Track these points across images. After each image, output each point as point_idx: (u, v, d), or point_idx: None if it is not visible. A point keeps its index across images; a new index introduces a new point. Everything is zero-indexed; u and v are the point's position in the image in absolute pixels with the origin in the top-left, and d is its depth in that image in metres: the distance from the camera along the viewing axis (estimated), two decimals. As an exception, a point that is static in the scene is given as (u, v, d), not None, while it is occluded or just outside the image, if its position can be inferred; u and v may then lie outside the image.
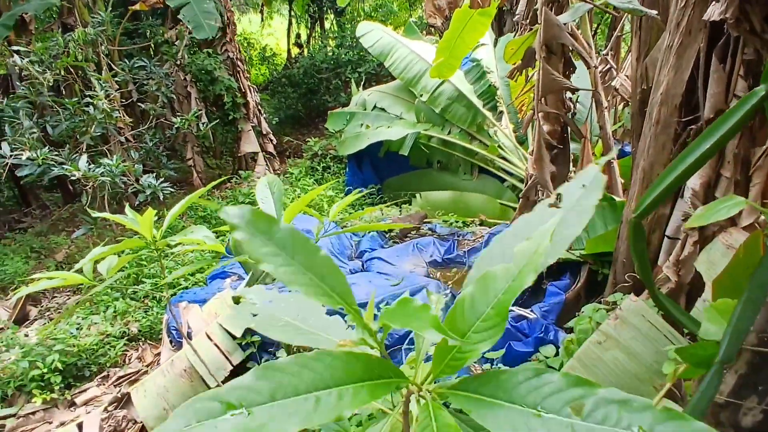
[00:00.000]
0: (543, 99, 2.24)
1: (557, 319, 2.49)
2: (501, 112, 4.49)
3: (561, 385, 0.63)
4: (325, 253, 0.76)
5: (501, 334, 0.68)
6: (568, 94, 2.70)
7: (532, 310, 2.43)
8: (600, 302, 2.69)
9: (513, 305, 2.56)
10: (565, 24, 1.98)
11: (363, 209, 3.81)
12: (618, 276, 2.14)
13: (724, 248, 1.59)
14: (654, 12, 1.88)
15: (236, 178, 6.51)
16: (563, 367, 1.56)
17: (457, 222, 3.93)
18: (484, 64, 4.64)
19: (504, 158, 4.33)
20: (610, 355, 1.59)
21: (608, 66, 3.78)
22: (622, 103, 2.85)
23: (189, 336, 2.94)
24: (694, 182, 1.64)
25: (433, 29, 6.93)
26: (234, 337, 2.85)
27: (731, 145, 1.57)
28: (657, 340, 1.53)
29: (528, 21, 2.21)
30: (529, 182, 2.47)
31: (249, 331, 2.81)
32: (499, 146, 4.39)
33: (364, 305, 0.79)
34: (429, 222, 4.09)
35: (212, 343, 2.84)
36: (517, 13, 2.31)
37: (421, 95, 4.69)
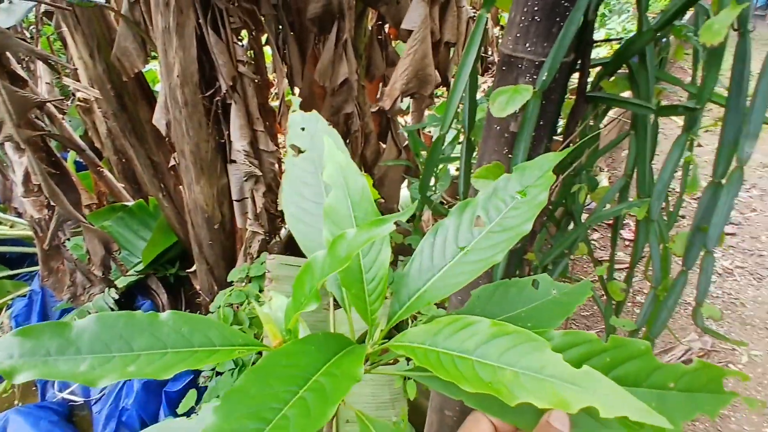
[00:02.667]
0: (20, 124, 1.75)
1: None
2: None
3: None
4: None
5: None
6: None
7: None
8: (192, 296, 2.64)
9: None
10: (10, 28, 1.54)
11: None
12: (209, 258, 2.15)
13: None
14: (103, 1, 1.76)
15: None
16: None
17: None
18: None
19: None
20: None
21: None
22: (76, 105, 2.56)
23: None
24: (242, 144, 1.81)
25: None
26: None
27: (253, 103, 1.80)
28: (306, 277, 1.74)
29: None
30: (52, 225, 1.97)
31: None
32: None
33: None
34: None
35: None
36: None
37: None
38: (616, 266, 1.00)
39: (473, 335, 0.37)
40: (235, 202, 2.00)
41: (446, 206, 1.98)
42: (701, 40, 0.55)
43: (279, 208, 1.93)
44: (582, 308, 2.66)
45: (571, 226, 1.00)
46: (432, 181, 2.30)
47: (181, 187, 2.06)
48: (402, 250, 2.09)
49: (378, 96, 2.26)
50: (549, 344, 0.35)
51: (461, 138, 1.23)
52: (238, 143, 1.82)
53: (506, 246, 0.44)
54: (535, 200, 0.45)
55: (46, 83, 2.42)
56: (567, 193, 0.95)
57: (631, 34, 0.76)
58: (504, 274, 0.87)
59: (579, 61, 0.80)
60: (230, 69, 1.67)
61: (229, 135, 1.84)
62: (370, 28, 2.06)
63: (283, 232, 2.31)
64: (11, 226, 3.02)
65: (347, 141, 2.12)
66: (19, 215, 2.72)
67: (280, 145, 2.18)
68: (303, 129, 0.52)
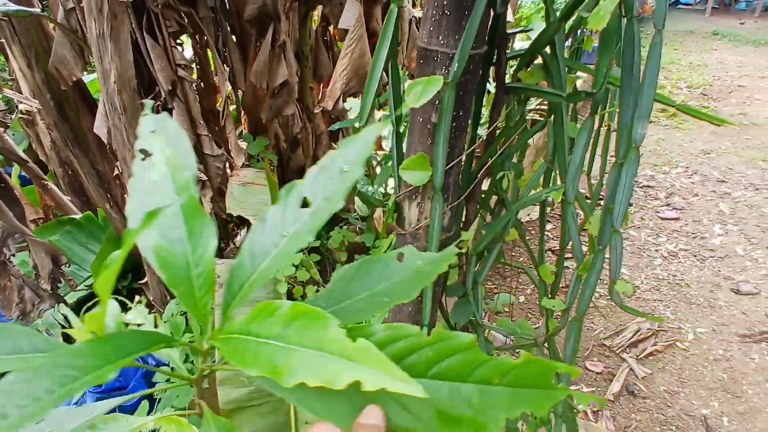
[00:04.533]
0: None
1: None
2: None
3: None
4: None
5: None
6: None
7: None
8: (149, 308, 2.57)
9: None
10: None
11: None
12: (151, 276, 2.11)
13: (241, 187, 1.88)
14: (39, 10, 1.71)
15: None
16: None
17: None
18: None
19: None
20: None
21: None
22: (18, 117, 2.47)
23: None
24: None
25: None
26: None
27: (195, 107, 1.78)
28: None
29: None
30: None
31: None
32: None
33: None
34: None
35: None
36: None
37: None
38: (551, 249, 1.03)
39: (277, 320, 0.36)
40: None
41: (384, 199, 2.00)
42: (589, 27, 0.58)
43: (228, 212, 1.91)
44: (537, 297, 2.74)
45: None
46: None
47: (127, 196, 2.01)
48: (357, 249, 2.11)
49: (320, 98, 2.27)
50: (330, 321, 0.34)
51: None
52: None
53: (316, 226, 0.43)
54: (349, 176, 0.43)
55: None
56: (495, 180, 0.98)
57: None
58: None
59: (495, 54, 0.83)
60: (169, 73, 1.65)
61: (174, 141, 1.81)
62: (315, 30, 2.07)
63: (238, 239, 2.29)
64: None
65: (296, 141, 2.12)
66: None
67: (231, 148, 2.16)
68: (153, 132, 0.49)
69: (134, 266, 2.57)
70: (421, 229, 0.88)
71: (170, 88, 1.68)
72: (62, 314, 2.36)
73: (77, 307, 2.43)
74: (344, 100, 2.02)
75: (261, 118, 1.96)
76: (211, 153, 1.79)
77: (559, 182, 0.94)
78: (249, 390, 1.58)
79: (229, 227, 2.11)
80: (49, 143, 2.53)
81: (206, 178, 1.79)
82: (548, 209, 3.33)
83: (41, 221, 2.66)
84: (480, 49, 0.75)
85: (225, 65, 1.85)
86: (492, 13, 0.78)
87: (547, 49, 0.82)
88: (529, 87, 0.84)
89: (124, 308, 2.15)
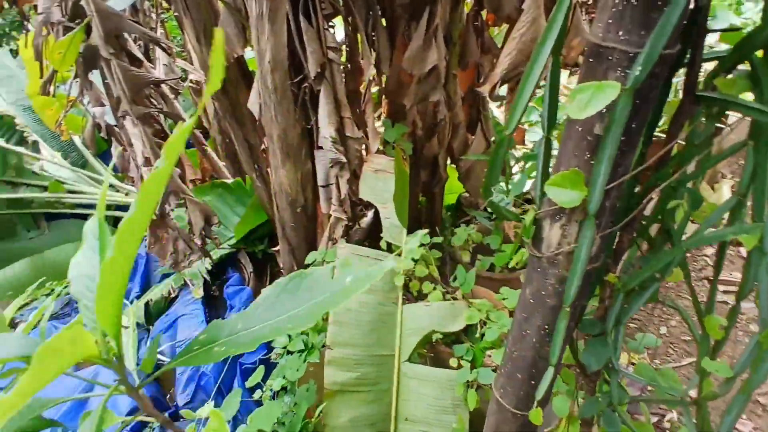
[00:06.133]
0: (134, 100, 1.92)
1: (255, 312, 2.41)
2: (35, 141, 3.59)
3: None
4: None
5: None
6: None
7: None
8: (277, 274, 2.76)
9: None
10: (123, 11, 1.70)
11: None
12: (292, 240, 2.22)
13: (373, 173, 1.88)
14: (211, -14, 1.85)
15: None
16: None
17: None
18: (-26, 92, 3.50)
19: (74, 191, 3.56)
20: (355, 301, 1.68)
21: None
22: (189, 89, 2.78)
23: None
24: (329, 130, 1.82)
25: None
26: None
27: (341, 90, 1.80)
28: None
29: (68, 16, 1.76)
30: (160, 197, 2.15)
31: None
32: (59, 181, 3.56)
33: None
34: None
35: None
36: (41, 11, 1.80)
37: None
38: (726, 290, 0.84)
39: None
40: (320, 188, 2.03)
41: (519, 211, 1.85)
42: None
43: (360, 197, 1.92)
44: (683, 331, 2.37)
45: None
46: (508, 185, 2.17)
47: (269, 169, 2.13)
48: (482, 250, 2.00)
49: (471, 84, 2.15)
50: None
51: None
52: (325, 130, 1.83)
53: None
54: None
55: (164, 64, 2.63)
56: (664, 207, 0.81)
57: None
58: (578, 294, 0.77)
59: (688, 54, 0.67)
60: (319, 56, 1.68)
61: (316, 121, 1.86)
62: (466, 14, 1.96)
63: (365, 221, 2.32)
64: (126, 194, 3.36)
65: (432, 130, 2.06)
66: (134, 184, 3.02)
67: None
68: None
69: (271, 233, 2.76)
70: (561, 255, 0.76)
71: (319, 70, 1.71)
72: (206, 268, 2.63)
73: (218, 264, 2.69)
74: (499, 87, 1.89)
75: (403, 104, 1.93)
76: (352, 135, 1.80)
77: (748, 220, 0.74)
78: (355, 375, 1.59)
79: (357, 209, 2.13)
80: (212, 112, 2.80)
81: (345, 161, 1.81)
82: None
83: (198, 182, 2.97)
84: (672, 49, 0.60)
85: (372, 49, 1.83)
86: (693, 3, 0.62)
87: (759, 53, 0.64)
88: (729, 98, 0.66)
89: (257, 268, 2.27)
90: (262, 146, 2.17)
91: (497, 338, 1.61)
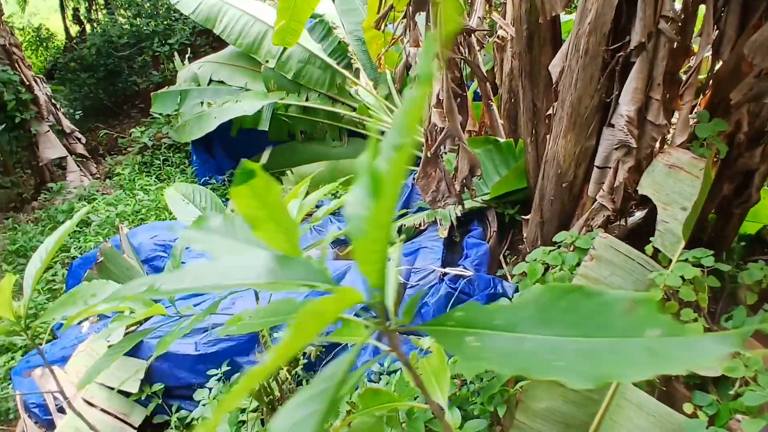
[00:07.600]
0: (445, 44, 2.09)
1: (486, 270, 2.47)
2: (357, 69, 4.28)
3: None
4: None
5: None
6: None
7: (464, 267, 2.35)
8: (517, 242, 2.75)
9: (442, 266, 2.47)
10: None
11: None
12: (545, 213, 2.15)
13: (666, 168, 1.64)
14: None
15: (45, 194, 5.26)
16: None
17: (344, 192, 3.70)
18: (328, 19, 4.32)
19: (374, 117, 4.16)
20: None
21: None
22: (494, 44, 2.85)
23: (61, 410, 2.26)
24: (628, 108, 1.65)
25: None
26: (127, 394, 2.27)
27: (660, 67, 1.59)
28: (634, 270, 1.54)
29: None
30: (440, 136, 2.33)
31: (146, 381, 2.26)
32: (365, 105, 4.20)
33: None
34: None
35: (97, 409, 2.23)
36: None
37: (267, 61, 4.21)
38: None
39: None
40: (595, 168, 1.89)
41: None
42: None
43: (637, 189, 1.72)
44: None
45: None
46: None
47: (548, 136, 2.07)
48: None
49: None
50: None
51: None
52: (625, 107, 1.67)
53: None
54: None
55: (478, 17, 2.74)
56: None
57: None
58: None
59: None
60: (648, 24, 1.50)
61: (618, 96, 1.70)
62: None
63: (631, 219, 2.07)
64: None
65: (758, 138, 1.66)
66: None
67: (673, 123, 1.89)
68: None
69: (524, 201, 2.72)
70: None
71: (643, 39, 1.54)
72: (456, 214, 2.78)
73: (468, 213, 2.80)
74: None
75: (729, 98, 1.60)
76: (654, 120, 1.60)
77: None
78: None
79: (628, 203, 1.92)
80: (507, 70, 2.82)
81: (635, 146, 1.63)
82: None
83: (474, 134, 3.09)
84: None
85: (716, 26, 1.55)
86: None
87: None
88: None
89: (501, 230, 2.28)
90: (548, 112, 2.11)
91: (756, 405, 1.30)
